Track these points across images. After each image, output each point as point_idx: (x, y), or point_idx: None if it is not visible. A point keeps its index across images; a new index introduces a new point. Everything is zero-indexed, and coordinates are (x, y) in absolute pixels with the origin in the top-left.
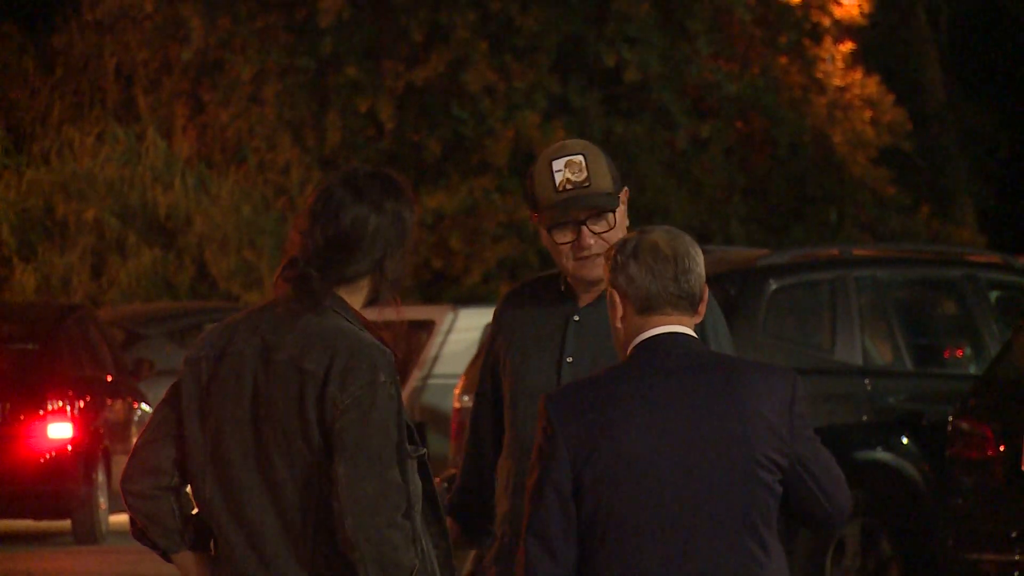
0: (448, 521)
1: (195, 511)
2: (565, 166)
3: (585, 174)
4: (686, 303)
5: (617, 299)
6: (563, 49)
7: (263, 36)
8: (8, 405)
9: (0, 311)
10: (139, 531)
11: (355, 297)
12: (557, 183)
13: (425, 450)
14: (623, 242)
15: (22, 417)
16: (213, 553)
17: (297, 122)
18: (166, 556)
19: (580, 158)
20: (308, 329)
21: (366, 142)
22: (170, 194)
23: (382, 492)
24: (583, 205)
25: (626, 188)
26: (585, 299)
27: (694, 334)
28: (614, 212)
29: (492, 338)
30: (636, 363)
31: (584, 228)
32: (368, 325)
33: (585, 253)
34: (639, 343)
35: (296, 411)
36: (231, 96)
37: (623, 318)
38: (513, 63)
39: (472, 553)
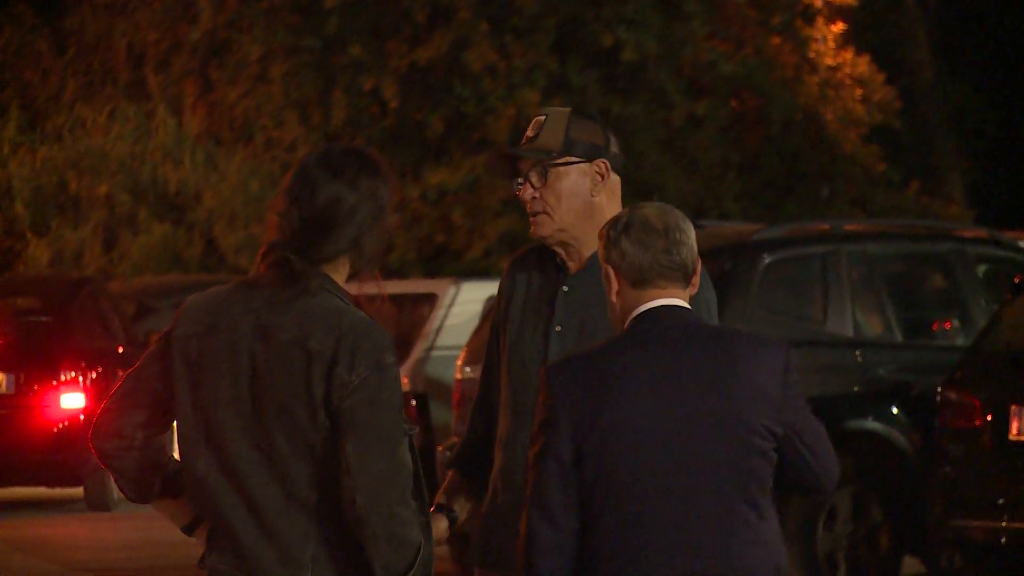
0: (450, 473)
1: (162, 465)
2: (531, 126)
3: (537, 132)
4: (679, 275)
5: (611, 273)
6: (562, 29)
7: (270, 16)
8: (23, 375)
9: (14, 284)
10: (118, 486)
11: (338, 274)
12: (523, 139)
13: (416, 429)
14: (615, 218)
15: (36, 387)
16: (207, 528)
17: (303, 100)
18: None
19: (542, 118)
20: (308, 310)
21: (370, 120)
22: (180, 170)
23: (392, 470)
24: (513, 153)
25: (602, 160)
26: (574, 268)
27: (688, 306)
28: (550, 168)
29: (497, 303)
30: (633, 335)
31: (526, 182)
32: (355, 302)
33: (529, 209)
34: (636, 316)
35: (301, 390)
36: (239, 75)
37: (618, 292)
38: (513, 43)
39: (468, 507)
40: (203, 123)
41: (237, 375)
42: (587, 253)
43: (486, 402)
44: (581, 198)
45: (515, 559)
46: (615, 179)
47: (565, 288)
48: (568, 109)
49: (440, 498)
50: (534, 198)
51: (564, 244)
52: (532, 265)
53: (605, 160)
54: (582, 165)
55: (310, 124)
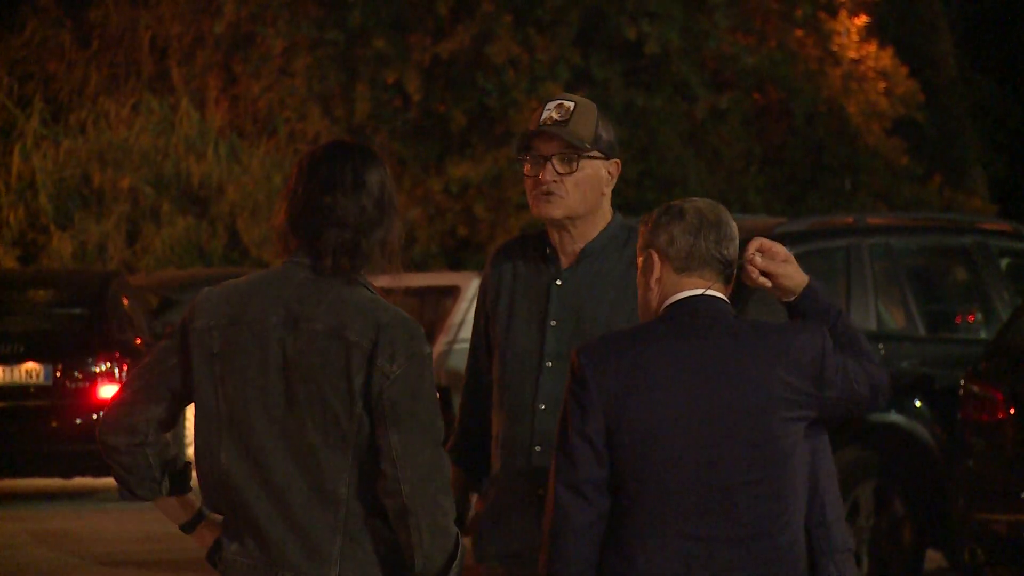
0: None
1: (169, 462)
2: (555, 107)
3: (568, 116)
4: (721, 267)
5: (655, 259)
6: (585, 22)
7: (293, 10)
8: (59, 367)
9: (46, 277)
10: (121, 482)
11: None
12: (542, 119)
13: (443, 423)
14: (665, 206)
15: (72, 379)
16: (224, 517)
17: (326, 94)
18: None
19: (571, 104)
20: (342, 300)
21: (393, 113)
22: (203, 163)
23: (435, 460)
24: (551, 138)
25: (617, 161)
26: (567, 262)
27: (720, 295)
28: (580, 159)
29: (482, 296)
30: (667, 323)
31: (548, 164)
32: (379, 291)
33: (544, 188)
34: (672, 303)
35: (339, 380)
36: (262, 68)
37: (659, 279)
38: (536, 36)
39: (471, 500)
40: (226, 116)
41: (266, 366)
42: (580, 245)
43: (477, 394)
44: (595, 191)
45: (524, 552)
46: None
47: (558, 282)
48: (593, 103)
49: None
50: (554, 180)
51: (564, 230)
52: (517, 257)
53: (618, 161)
54: (603, 161)
55: (333, 117)
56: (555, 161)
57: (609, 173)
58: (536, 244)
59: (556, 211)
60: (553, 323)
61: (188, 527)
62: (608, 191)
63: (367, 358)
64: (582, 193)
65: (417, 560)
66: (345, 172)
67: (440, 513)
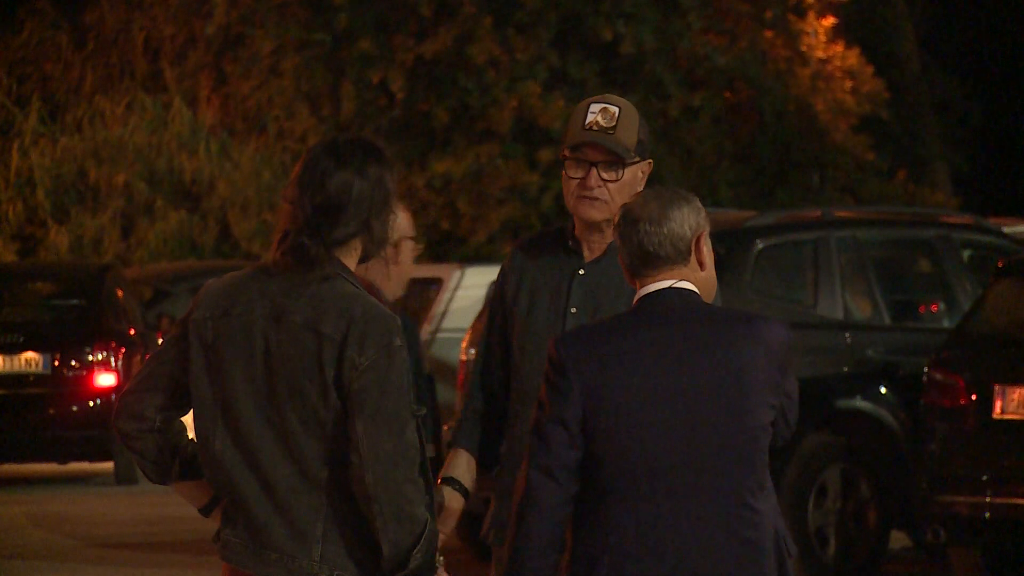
0: (453, 450)
1: (181, 447)
2: (600, 111)
3: (614, 123)
4: (660, 261)
5: (621, 263)
6: (563, 24)
7: (282, 12)
8: (57, 356)
9: (44, 270)
10: (139, 467)
11: (350, 259)
12: (586, 122)
13: (424, 410)
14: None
15: (69, 368)
16: (222, 503)
17: (314, 93)
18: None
19: (616, 110)
20: (321, 294)
21: (378, 111)
22: (195, 160)
23: (400, 449)
24: (598, 146)
25: (650, 161)
26: (590, 255)
27: (689, 286)
28: (625, 167)
29: (500, 285)
30: (636, 315)
31: (593, 170)
32: (366, 287)
33: (587, 194)
34: (641, 296)
35: (314, 372)
36: (252, 68)
37: (630, 278)
38: (516, 37)
39: (474, 481)
40: (217, 114)
41: (251, 356)
42: (607, 241)
43: (487, 379)
44: (631, 193)
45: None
46: None
47: (581, 272)
48: (632, 105)
49: (446, 472)
50: (599, 186)
51: (598, 231)
52: (540, 250)
53: (651, 160)
54: (640, 163)
55: (320, 115)
56: (600, 168)
57: (642, 172)
58: (556, 239)
59: (598, 215)
60: (573, 310)
61: (205, 510)
62: (640, 188)
63: (338, 350)
64: (623, 197)
65: (384, 546)
66: (306, 173)
67: (405, 501)
